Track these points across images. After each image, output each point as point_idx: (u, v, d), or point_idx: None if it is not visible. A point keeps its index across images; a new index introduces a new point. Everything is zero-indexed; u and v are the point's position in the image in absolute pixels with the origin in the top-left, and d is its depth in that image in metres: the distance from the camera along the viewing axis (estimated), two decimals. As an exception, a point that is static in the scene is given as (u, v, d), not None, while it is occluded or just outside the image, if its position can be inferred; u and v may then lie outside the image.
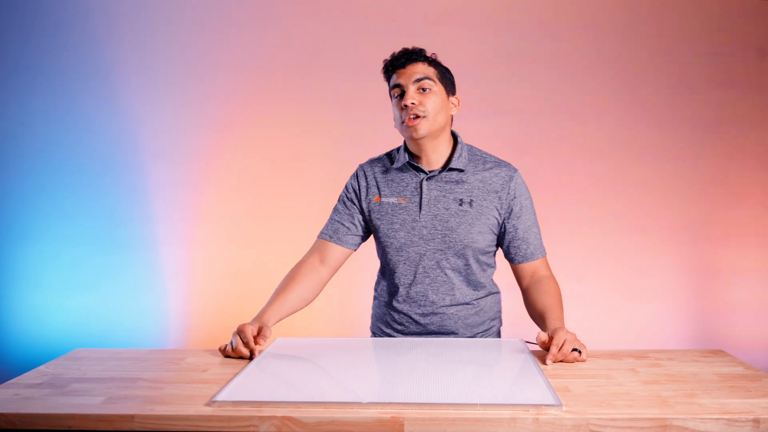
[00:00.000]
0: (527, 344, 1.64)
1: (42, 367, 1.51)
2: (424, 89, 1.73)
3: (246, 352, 1.55)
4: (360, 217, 1.86)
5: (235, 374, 1.39)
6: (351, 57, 3.24)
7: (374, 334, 1.94)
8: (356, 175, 1.89)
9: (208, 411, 1.19)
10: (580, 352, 1.52)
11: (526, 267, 1.83)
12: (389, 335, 1.88)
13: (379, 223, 1.82)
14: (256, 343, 1.56)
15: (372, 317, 1.98)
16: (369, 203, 1.84)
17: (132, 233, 3.31)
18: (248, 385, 1.31)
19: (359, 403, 1.19)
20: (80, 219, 3.31)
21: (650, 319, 3.22)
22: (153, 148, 3.31)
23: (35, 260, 3.33)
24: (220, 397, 1.23)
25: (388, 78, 1.81)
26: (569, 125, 3.25)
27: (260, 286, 3.24)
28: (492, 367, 1.47)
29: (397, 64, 1.76)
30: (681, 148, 3.23)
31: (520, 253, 1.82)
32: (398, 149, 1.87)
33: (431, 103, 1.73)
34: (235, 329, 1.60)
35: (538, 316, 1.74)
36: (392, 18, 3.24)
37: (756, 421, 1.15)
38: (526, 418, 1.15)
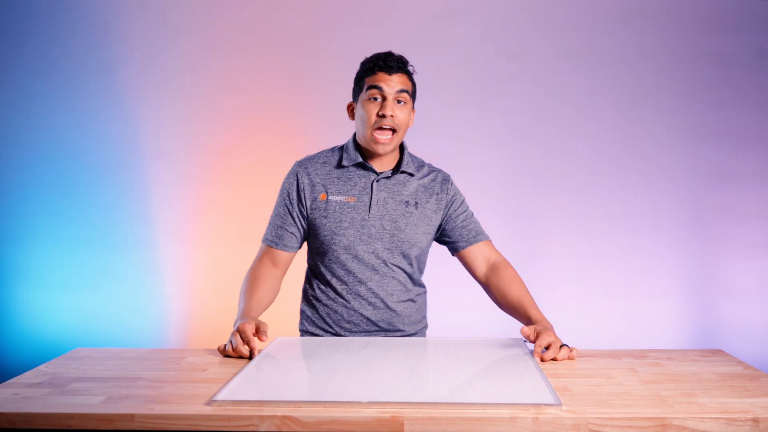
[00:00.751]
0: (527, 343, 1.64)
1: (42, 367, 1.51)
2: (399, 101, 1.77)
3: (246, 351, 1.54)
4: (302, 219, 1.86)
5: (235, 374, 1.39)
6: (354, 56, 3.21)
7: (310, 335, 1.89)
8: (296, 175, 1.87)
9: (208, 410, 1.19)
10: (570, 348, 1.55)
11: (475, 253, 1.89)
12: (337, 334, 1.85)
13: (325, 221, 1.81)
14: (259, 339, 1.56)
15: (307, 319, 1.91)
16: (313, 201, 1.83)
17: (132, 233, 3.31)
18: (248, 385, 1.31)
19: (359, 403, 1.19)
20: (80, 218, 3.31)
21: (649, 319, 3.22)
22: (153, 148, 3.31)
23: (35, 260, 3.33)
24: (220, 397, 1.23)
25: (365, 74, 1.80)
26: (567, 126, 3.25)
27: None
28: (491, 366, 1.47)
29: (384, 66, 1.76)
30: (680, 148, 3.23)
31: (464, 238, 1.89)
32: (342, 147, 1.90)
33: (403, 116, 1.78)
34: (234, 328, 1.60)
35: (511, 308, 1.80)
36: (393, 18, 3.24)
37: (755, 420, 1.15)
38: (525, 417, 1.15)
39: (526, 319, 1.73)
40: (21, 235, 3.33)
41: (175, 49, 3.29)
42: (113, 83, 3.29)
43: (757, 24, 3.18)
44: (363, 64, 1.82)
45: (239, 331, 1.57)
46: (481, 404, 1.18)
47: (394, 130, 1.77)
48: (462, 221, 1.90)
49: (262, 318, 1.72)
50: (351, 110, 1.86)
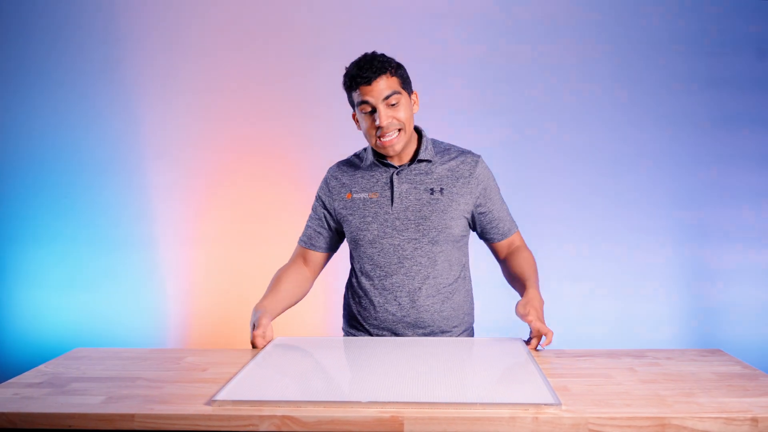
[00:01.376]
0: (526, 344, 1.65)
1: (42, 367, 1.52)
2: (392, 104, 1.74)
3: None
4: (332, 221, 1.92)
5: (235, 374, 1.40)
6: (353, 55, 3.22)
7: (349, 334, 1.94)
8: (326, 180, 1.93)
9: (208, 410, 1.20)
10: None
11: (505, 243, 1.94)
12: (367, 332, 1.87)
13: (351, 218, 1.85)
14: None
15: (345, 318, 1.98)
16: (340, 201, 1.88)
17: (132, 233, 3.31)
18: (248, 384, 1.32)
19: (359, 402, 1.19)
20: (80, 218, 3.31)
21: (648, 319, 3.23)
22: (154, 148, 3.31)
23: (35, 259, 3.33)
24: (220, 397, 1.23)
25: (349, 90, 1.78)
26: (565, 125, 3.25)
27: (260, 286, 3.25)
28: (491, 366, 1.47)
29: (361, 81, 1.73)
30: (678, 147, 3.23)
31: (499, 232, 1.92)
32: (365, 149, 1.92)
33: (403, 114, 1.76)
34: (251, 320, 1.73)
35: (514, 279, 1.87)
36: (392, 16, 3.24)
37: (754, 420, 1.16)
38: (525, 417, 1.15)
39: (522, 290, 1.80)
40: (21, 234, 3.33)
41: (176, 49, 3.29)
42: (113, 83, 3.29)
43: (757, 24, 3.18)
44: (343, 81, 1.79)
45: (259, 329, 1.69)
46: (481, 404, 1.18)
47: (399, 129, 1.76)
48: (497, 213, 1.90)
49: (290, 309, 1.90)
50: (357, 120, 1.86)
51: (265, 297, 1.82)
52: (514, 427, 1.15)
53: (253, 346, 1.67)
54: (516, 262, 1.88)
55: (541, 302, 1.73)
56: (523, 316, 1.66)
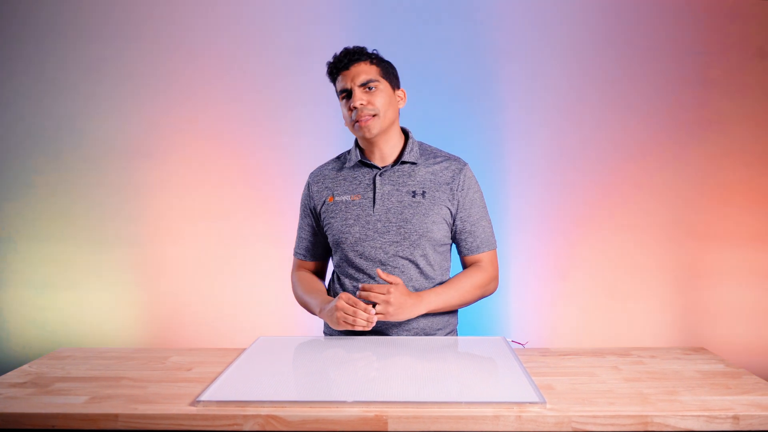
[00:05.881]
0: (513, 342, 1.65)
1: (25, 367, 1.51)
2: (369, 88, 1.77)
3: (364, 316, 1.62)
4: (319, 227, 1.91)
5: (219, 373, 1.39)
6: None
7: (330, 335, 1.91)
8: (307, 185, 1.93)
9: (193, 410, 1.19)
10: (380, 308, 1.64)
11: (471, 259, 1.88)
12: (350, 333, 1.84)
13: (333, 221, 1.84)
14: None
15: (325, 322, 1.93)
16: (322, 205, 1.87)
17: (119, 232, 3.28)
18: (232, 384, 1.31)
19: (344, 402, 1.19)
20: (66, 217, 3.29)
21: (634, 317, 3.24)
22: (140, 147, 3.28)
23: (19, 258, 3.30)
24: (204, 397, 1.23)
25: (333, 80, 1.84)
26: (557, 123, 3.26)
27: (247, 286, 3.24)
28: (475, 365, 1.48)
29: (340, 66, 1.78)
30: (668, 147, 3.24)
31: (467, 246, 1.86)
32: (348, 151, 1.93)
33: (379, 100, 1.78)
34: (328, 308, 1.68)
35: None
36: (384, 16, 3.24)
37: (735, 417, 1.17)
38: (509, 415, 1.16)
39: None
40: (6, 233, 3.30)
41: (158, 51, 3.27)
42: (100, 82, 3.27)
43: (756, 24, 3.20)
44: (327, 70, 1.84)
45: (345, 301, 1.63)
46: (466, 403, 1.18)
47: (374, 114, 1.77)
48: (471, 226, 1.84)
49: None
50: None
51: (323, 301, 1.79)
52: (498, 425, 1.16)
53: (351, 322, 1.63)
54: (459, 275, 1.83)
55: (405, 307, 1.68)
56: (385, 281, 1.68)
